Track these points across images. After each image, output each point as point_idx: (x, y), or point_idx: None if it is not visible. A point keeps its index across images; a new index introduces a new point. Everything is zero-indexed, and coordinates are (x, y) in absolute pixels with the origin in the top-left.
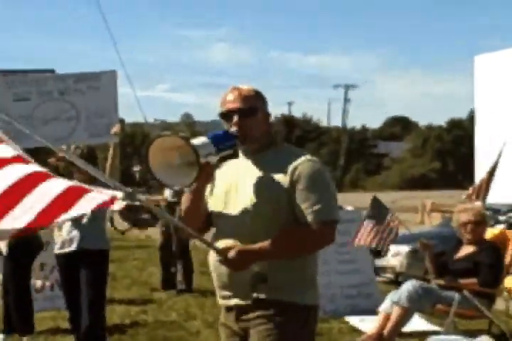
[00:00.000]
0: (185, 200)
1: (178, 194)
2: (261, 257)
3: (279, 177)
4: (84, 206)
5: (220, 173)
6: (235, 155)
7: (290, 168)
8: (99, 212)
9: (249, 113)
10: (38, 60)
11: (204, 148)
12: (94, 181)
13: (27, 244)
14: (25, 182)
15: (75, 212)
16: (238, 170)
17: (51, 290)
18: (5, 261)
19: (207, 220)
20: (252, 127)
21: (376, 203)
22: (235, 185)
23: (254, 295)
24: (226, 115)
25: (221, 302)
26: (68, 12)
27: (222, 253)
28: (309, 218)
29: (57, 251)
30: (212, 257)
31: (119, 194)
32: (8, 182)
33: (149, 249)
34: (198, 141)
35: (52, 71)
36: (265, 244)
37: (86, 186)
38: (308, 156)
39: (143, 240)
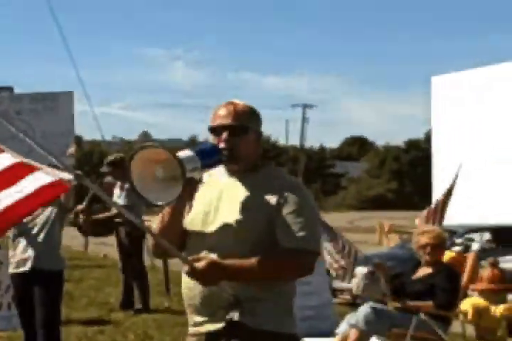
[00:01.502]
0: (162, 216)
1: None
2: (232, 274)
3: (264, 199)
4: (28, 185)
5: (200, 191)
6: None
7: (277, 191)
8: (54, 232)
9: (240, 131)
10: None
11: (189, 163)
12: None
13: None
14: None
15: (19, 188)
16: (220, 189)
17: (8, 310)
18: None
19: (182, 239)
20: (240, 146)
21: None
22: (215, 205)
23: (228, 316)
24: (215, 130)
25: (191, 329)
26: (26, 30)
27: (189, 263)
28: (291, 245)
29: (11, 270)
30: (184, 280)
31: (68, 176)
32: None
33: (107, 268)
34: (183, 154)
35: (10, 88)
36: (240, 262)
37: (36, 164)
38: (296, 180)
39: (101, 259)
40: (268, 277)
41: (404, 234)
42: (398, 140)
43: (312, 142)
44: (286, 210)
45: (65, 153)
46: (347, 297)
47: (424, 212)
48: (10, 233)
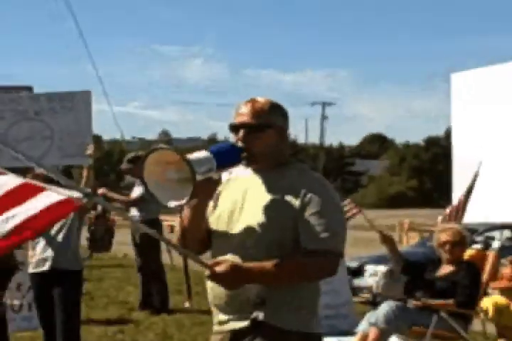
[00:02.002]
0: (184, 217)
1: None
2: (254, 277)
3: (288, 199)
4: (38, 204)
5: (226, 190)
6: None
7: (302, 190)
8: (73, 232)
9: (257, 129)
10: (15, 76)
11: (203, 164)
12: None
13: (3, 264)
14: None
15: (28, 207)
16: (245, 188)
17: (29, 310)
18: None
19: (206, 241)
20: (258, 144)
21: None
22: (240, 205)
23: (253, 315)
24: (234, 128)
25: (216, 328)
26: (45, 29)
27: (210, 267)
28: (315, 246)
29: (31, 270)
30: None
31: (77, 194)
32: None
33: (127, 268)
34: (197, 155)
35: (29, 88)
36: (262, 264)
37: (42, 185)
38: (321, 179)
39: (120, 259)
40: (291, 279)
41: (424, 232)
42: (418, 137)
43: (331, 140)
44: (309, 211)
45: (83, 153)
46: (366, 295)
47: (447, 210)
48: None
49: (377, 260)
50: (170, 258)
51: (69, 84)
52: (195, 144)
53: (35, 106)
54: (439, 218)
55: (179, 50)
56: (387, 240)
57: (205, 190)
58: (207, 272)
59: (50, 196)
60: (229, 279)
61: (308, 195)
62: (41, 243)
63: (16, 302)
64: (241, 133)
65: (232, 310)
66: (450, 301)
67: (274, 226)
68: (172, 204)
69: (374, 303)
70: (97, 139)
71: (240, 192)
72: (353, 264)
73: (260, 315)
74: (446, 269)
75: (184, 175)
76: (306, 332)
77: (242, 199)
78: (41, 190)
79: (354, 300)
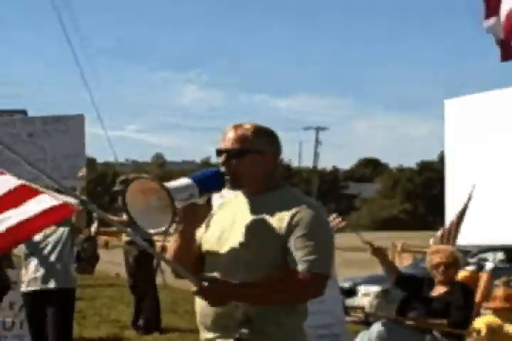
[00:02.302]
0: (173, 242)
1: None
2: (240, 295)
3: (275, 222)
4: (33, 207)
5: (217, 214)
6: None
7: (289, 213)
8: (66, 251)
9: (237, 154)
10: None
11: (183, 191)
12: None
13: None
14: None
15: (22, 210)
16: (234, 211)
17: (20, 328)
18: None
19: (198, 264)
20: (240, 169)
21: None
22: (228, 227)
23: (236, 335)
24: (219, 153)
25: None
26: (42, 51)
27: (198, 283)
28: (301, 267)
29: (23, 289)
30: (197, 298)
31: (73, 200)
32: None
33: (119, 287)
34: (178, 182)
35: (24, 112)
36: (248, 283)
37: (40, 188)
38: (311, 202)
39: (112, 278)
40: (276, 299)
41: (417, 254)
42: (411, 162)
43: (325, 164)
44: (297, 233)
45: (75, 176)
46: (359, 315)
47: (439, 232)
48: (21, 252)
49: (370, 280)
50: (162, 278)
51: (65, 109)
52: (189, 167)
53: (28, 128)
54: (431, 240)
55: (174, 75)
56: (377, 252)
57: (191, 215)
58: (194, 287)
59: (46, 200)
60: (215, 295)
61: (296, 218)
62: (34, 262)
63: (8, 319)
64: (223, 157)
65: (218, 328)
66: (444, 321)
67: (259, 248)
68: (152, 231)
69: (367, 323)
70: (91, 162)
71: (229, 215)
72: (346, 284)
73: (244, 334)
74: (439, 290)
75: (165, 203)
76: None
77: (231, 223)
78: (37, 193)
79: (347, 319)
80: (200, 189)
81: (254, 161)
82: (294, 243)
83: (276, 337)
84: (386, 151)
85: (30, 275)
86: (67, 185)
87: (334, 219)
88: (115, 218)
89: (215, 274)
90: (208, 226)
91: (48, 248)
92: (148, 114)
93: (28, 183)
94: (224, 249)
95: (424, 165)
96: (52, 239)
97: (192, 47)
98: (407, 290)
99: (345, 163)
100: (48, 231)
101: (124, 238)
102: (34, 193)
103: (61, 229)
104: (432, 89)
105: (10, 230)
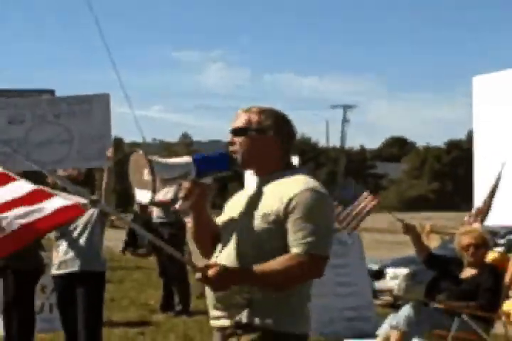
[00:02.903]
0: (190, 224)
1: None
2: (242, 280)
3: (276, 204)
4: (47, 207)
5: (233, 197)
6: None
7: (286, 197)
8: (96, 233)
9: (239, 132)
10: (36, 81)
11: (179, 168)
12: None
13: (30, 266)
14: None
15: (37, 208)
16: (245, 194)
17: (50, 312)
18: (7, 285)
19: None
20: (241, 147)
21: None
22: (236, 209)
23: (237, 318)
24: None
25: (211, 322)
26: (67, 34)
27: (201, 270)
28: (299, 249)
29: (53, 272)
30: None
31: (83, 200)
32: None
33: (147, 270)
34: (177, 159)
35: (51, 91)
36: (249, 267)
37: (53, 192)
38: (310, 185)
39: (141, 261)
40: (277, 281)
41: (445, 235)
42: (439, 141)
43: (352, 143)
44: (295, 216)
45: (102, 156)
46: (388, 298)
47: (473, 211)
48: (52, 235)
49: (398, 263)
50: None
51: (91, 89)
52: (216, 147)
53: (54, 109)
54: (466, 218)
55: (199, 54)
56: (410, 229)
57: (196, 193)
58: (197, 275)
59: (58, 201)
60: (217, 283)
61: (295, 201)
62: (64, 244)
63: (38, 303)
64: (229, 137)
65: (222, 307)
66: (472, 303)
67: (261, 231)
68: (144, 201)
69: (395, 306)
70: (119, 142)
71: (240, 198)
72: (374, 267)
73: (244, 317)
74: (468, 272)
75: (151, 177)
76: (292, 333)
77: (240, 205)
78: (50, 195)
79: (375, 302)
80: (200, 169)
81: (254, 140)
82: (291, 225)
83: (277, 319)
84: (413, 130)
85: (60, 257)
86: (94, 165)
87: (367, 197)
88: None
89: (222, 255)
90: (223, 210)
91: (78, 230)
92: (173, 94)
93: (41, 188)
94: (231, 231)
95: (452, 144)
96: (81, 222)
97: (216, 26)
98: (436, 270)
99: (373, 143)
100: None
101: (154, 221)
102: (47, 196)
103: (90, 212)
104: (460, 66)
105: (22, 228)
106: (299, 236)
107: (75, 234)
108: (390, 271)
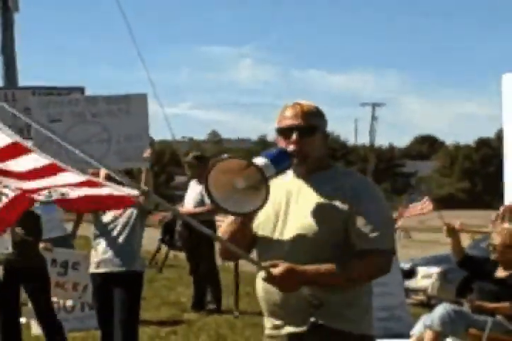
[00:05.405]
0: (227, 225)
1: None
2: (309, 280)
3: (335, 202)
4: (105, 188)
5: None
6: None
7: (348, 193)
8: (135, 234)
9: (309, 131)
10: (64, 78)
11: (266, 171)
12: None
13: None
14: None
15: (96, 192)
16: (287, 192)
17: (81, 311)
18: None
19: (251, 245)
20: (311, 147)
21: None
22: (284, 209)
23: (312, 319)
24: (284, 132)
25: (270, 332)
26: (97, 32)
27: (267, 269)
28: (367, 246)
29: (92, 270)
30: (260, 283)
31: (135, 192)
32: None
33: (178, 268)
34: (259, 162)
35: (81, 89)
36: (317, 267)
37: (102, 182)
38: (364, 179)
39: (171, 260)
40: (346, 280)
41: (475, 234)
42: (468, 139)
43: (381, 141)
44: (358, 212)
45: (140, 157)
46: (420, 297)
47: (500, 210)
48: (91, 233)
49: (430, 261)
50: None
51: (120, 87)
52: (246, 145)
53: (92, 108)
54: (492, 216)
55: (229, 50)
56: (452, 233)
57: None
58: (263, 274)
59: (110, 190)
60: (285, 281)
61: (355, 197)
62: (103, 243)
63: (69, 303)
64: (294, 136)
65: (288, 313)
66: (506, 304)
67: (324, 229)
68: (244, 211)
69: (428, 305)
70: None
71: (282, 196)
72: (406, 266)
73: (319, 318)
74: (502, 272)
75: (252, 183)
76: (362, 334)
77: (285, 204)
78: (101, 185)
79: (407, 302)
80: (277, 168)
81: (319, 139)
82: (355, 222)
83: (349, 318)
84: (442, 128)
85: (99, 256)
86: (132, 166)
87: (424, 203)
88: (200, 209)
89: (275, 256)
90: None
91: (117, 230)
92: (201, 91)
93: (92, 178)
94: (284, 232)
95: (482, 142)
96: (121, 221)
97: (247, 22)
98: (471, 271)
99: (401, 141)
100: (117, 212)
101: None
102: (98, 185)
103: (129, 211)
104: (491, 63)
105: (79, 198)
106: (365, 233)
107: (114, 233)
108: (421, 270)
